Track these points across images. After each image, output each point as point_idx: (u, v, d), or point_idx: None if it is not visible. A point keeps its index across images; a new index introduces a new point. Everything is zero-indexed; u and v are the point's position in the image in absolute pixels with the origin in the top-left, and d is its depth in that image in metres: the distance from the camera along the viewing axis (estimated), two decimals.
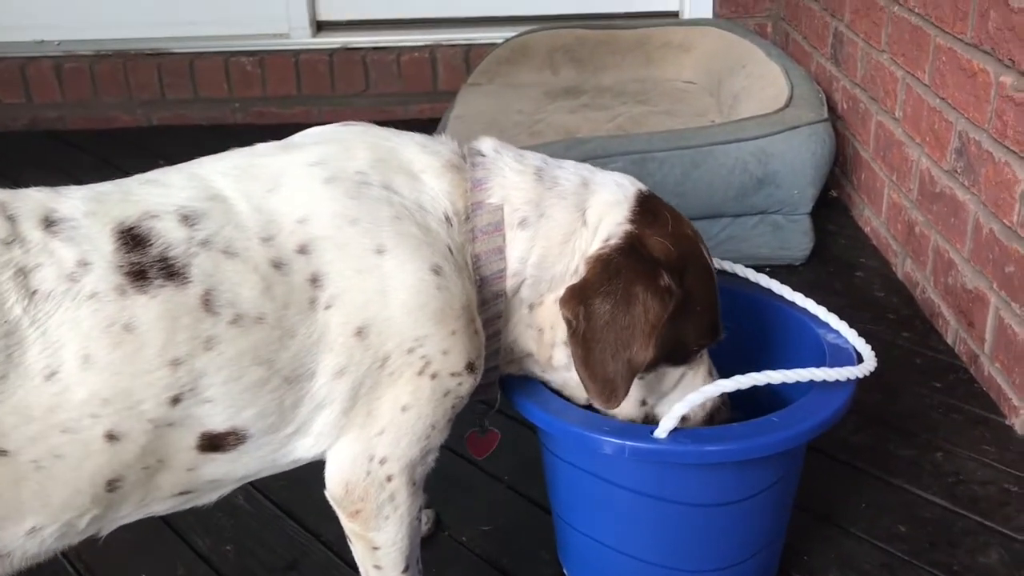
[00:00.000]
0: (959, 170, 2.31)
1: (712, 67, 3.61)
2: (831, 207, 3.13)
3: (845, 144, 3.10)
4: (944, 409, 2.16)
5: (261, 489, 1.98)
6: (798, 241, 2.78)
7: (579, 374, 1.41)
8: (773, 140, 2.69)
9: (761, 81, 3.13)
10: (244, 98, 4.24)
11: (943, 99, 2.38)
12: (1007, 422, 2.10)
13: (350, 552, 1.80)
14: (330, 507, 1.87)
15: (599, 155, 2.69)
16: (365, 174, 1.32)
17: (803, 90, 2.95)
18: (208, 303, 1.17)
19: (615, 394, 1.39)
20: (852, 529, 1.84)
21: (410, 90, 4.24)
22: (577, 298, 1.39)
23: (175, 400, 1.16)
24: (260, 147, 1.37)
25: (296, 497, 1.95)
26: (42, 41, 4.24)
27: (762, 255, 2.74)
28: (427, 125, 4.11)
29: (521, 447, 1.93)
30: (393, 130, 1.45)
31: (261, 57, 4.19)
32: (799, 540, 1.78)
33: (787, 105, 2.84)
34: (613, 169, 2.65)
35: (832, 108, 3.08)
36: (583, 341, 1.38)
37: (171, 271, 1.16)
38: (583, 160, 2.64)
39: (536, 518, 1.89)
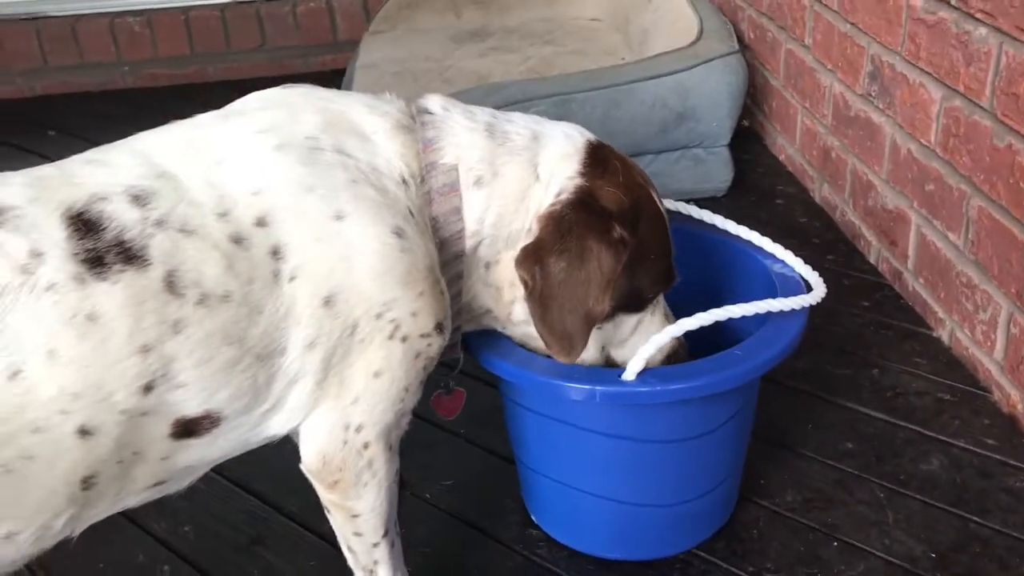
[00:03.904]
0: (873, 94, 2.37)
1: (617, 3, 3.61)
2: (744, 137, 3.17)
3: (755, 74, 3.14)
4: (875, 327, 2.25)
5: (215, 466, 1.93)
6: (719, 172, 2.83)
7: (538, 331, 1.41)
8: (689, 74, 2.71)
9: (670, 15, 3.14)
10: (134, 61, 4.04)
11: (853, 24, 2.43)
12: (934, 334, 2.20)
13: (315, 523, 1.79)
14: (289, 478, 1.83)
15: (519, 99, 2.67)
16: (316, 139, 1.27)
17: (712, 23, 2.98)
18: (172, 284, 1.12)
19: (574, 347, 1.40)
20: (803, 450, 1.91)
21: (309, 42, 4.12)
22: (532, 258, 1.37)
23: (147, 388, 1.11)
24: (201, 118, 1.31)
25: (253, 471, 1.91)
26: None
27: (685, 189, 2.77)
28: (331, 77, 4.02)
29: (473, 399, 1.90)
30: (336, 91, 1.40)
31: (148, 16, 3.99)
32: (755, 465, 1.83)
33: (698, 39, 2.87)
34: (534, 113, 2.66)
35: (739, 39, 3.11)
36: (541, 300, 1.38)
37: (129, 254, 1.10)
38: (504, 105, 2.65)
39: (497, 468, 1.91)
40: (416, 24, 3.78)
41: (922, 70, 2.12)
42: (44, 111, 3.92)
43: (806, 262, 1.66)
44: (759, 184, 2.93)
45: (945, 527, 1.70)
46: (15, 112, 3.93)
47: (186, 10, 3.99)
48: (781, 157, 3.06)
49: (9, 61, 4.01)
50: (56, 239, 1.08)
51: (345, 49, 3.99)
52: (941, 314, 2.16)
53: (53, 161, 1.23)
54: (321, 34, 4.11)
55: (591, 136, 1.50)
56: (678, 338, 1.56)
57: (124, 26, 3.99)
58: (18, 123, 3.80)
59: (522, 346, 1.53)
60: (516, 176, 1.40)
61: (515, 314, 1.47)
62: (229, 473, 1.92)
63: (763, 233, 1.72)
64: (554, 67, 3.24)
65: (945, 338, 2.16)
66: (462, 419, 1.98)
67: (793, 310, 1.54)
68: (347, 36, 4.07)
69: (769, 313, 1.52)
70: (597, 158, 1.45)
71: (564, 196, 1.40)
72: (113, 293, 1.08)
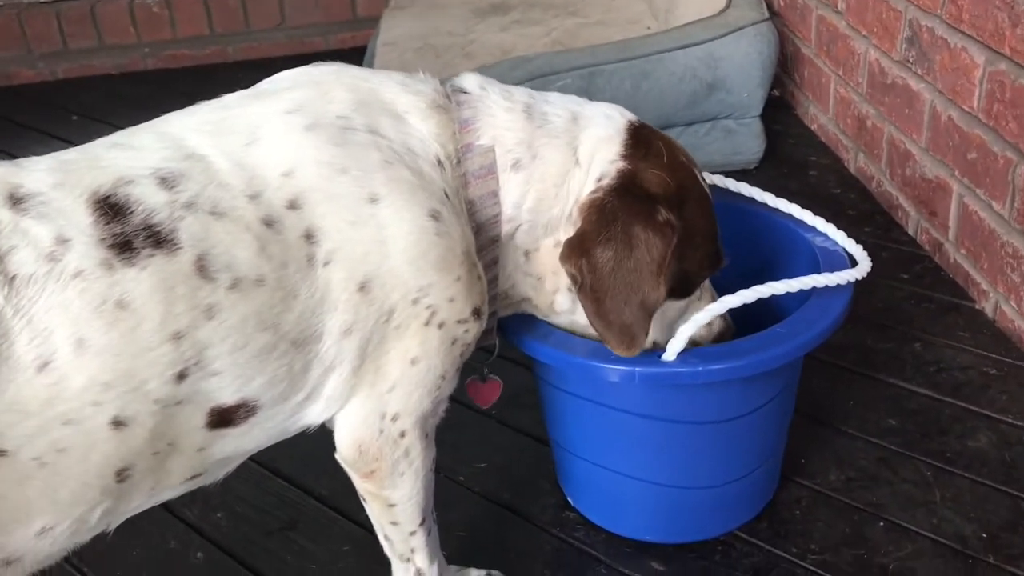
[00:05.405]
0: (911, 59, 2.30)
1: None
2: (775, 106, 3.10)
3: (785, 42, 3.07)
4: (915, 299, 2.19)
5: None
6: (750, 144, 2.76)
7: (594, 326, 1.35)
8: (720, 43, 2.65)
9: None
10: (153, 42, 4.02)
11: None
12: (977, 306, 2.14)
13: (347, 507, 1.77)
14: (320, 462, 1.81)
15: (546, 72, 2.62)
16: (348, 118, 1.23)
17: None
18: (203, 269, 1.08)
19: (635, 340, 1.33)
20: (845, 428, 1.86)
21: (329, 19, 4.07)
22: (577, 251, 1.32)
23: (181, 376, 1.08)
24: (228, 98, 1.27)
25: (281, 455, 1.88)
26: None
27: (716, 162, 2.71)
28: (351, 55, 3.98)
29: (503, 380, 1.88)
30: (368, 69, 1.35)
31: None
32: (796, 444, 1.78)
33: (728, 6, 2.80)
34: (561, 86, 2.61)
35: (768, 5, 3.03)
36: (592, 293, 1.32)
37: (158, 238, 1.07)
38: (530, 79, 2.59)
39: (529, 449, 1.87)
40: None
41: (964, 33, 2.05)
42: (66, 95, 3.90)
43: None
44: (791, 155, 2.86)
45: (995, 506, 1.66)
46: (37, 96, 3.92)
47: None
48: (813, 127, 2.99)
49: (30, 45, 3.99)
50: (82, 225, 1.05)
51: (365, 26, 3.95)
52: (985, 286, 2.10)
53: (77, 145, 1.19)
54: (341, 11, 4.06)
55: (632, 116, 1.44)
56: (725, 318, 1.52)
57: (143, 7, 3.96)
58: (41, 107, 3.79)
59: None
60: (555, 159, 1.35)
61: (558, 303, 1.42)
62: (259, 457, 1.89)
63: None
64: (578, 39, 3.17)
65: (989, 311, 2.10)
66: None
67: (838, 285, 1.49)
68: (367, 13, 4.02)
69: (813, 288, 1.47)
70: (639, 139, 1.39)
71: (605, 181, 1.34)
72: (142, 279, 1.05)
